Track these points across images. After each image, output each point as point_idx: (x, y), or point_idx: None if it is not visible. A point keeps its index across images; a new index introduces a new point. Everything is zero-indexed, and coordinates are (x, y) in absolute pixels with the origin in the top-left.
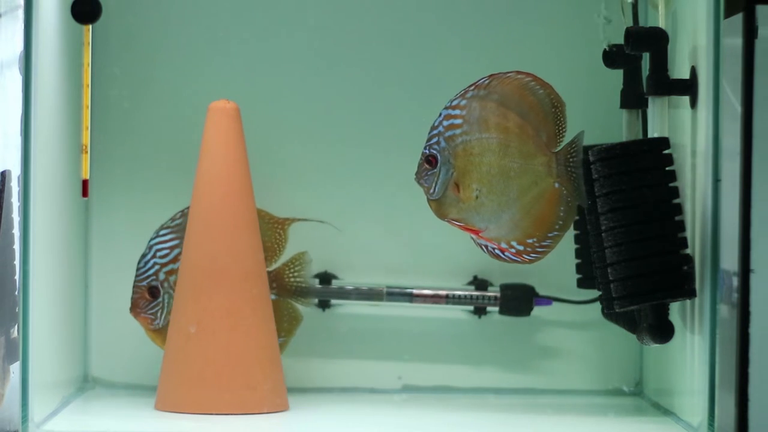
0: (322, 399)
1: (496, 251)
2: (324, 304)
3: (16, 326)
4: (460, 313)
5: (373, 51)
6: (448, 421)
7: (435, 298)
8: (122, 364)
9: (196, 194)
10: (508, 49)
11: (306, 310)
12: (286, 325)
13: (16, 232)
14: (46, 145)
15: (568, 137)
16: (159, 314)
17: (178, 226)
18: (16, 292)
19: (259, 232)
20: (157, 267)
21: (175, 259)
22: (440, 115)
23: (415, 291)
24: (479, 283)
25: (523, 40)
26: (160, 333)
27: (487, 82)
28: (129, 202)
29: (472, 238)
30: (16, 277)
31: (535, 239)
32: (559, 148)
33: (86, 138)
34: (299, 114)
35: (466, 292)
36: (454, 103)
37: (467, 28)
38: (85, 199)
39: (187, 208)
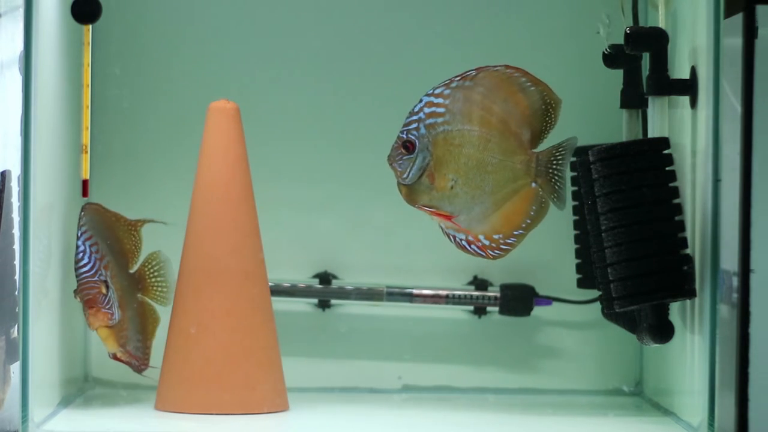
0: (322, 399)
1: (463, 242)
2: (324, 304)
3: (16, 326)
4: (460, 313)
5: (374, 51)
6: (448, 421)
7: (435, 298)
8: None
9: (196, 194)
10: (509, 49)
11: (306, 310)
12: (150, 327)
13: (16, 232)
14: (46, 145)
15: (561, 137)
16: (114, 309)
17: (88, 222)
18: (16, 292)
19: (259, 232)
20: (97, 262)
21: (102, 255)
22: (421, 101)
23: (415, 291)
24: (479, 283)
25: (523, 40)
26: (113, 331)
27: (474, 74)
28: (129, 202)
29: (441, 227)
30: (16, 277)
31: (501, 235)
32: (542, 148)
33: (86, 138)
34: (299, 114)
35: (466, 292)
36: (438, 91)
37: (467, 29)
38: (85, 199)
39: (86, 204)
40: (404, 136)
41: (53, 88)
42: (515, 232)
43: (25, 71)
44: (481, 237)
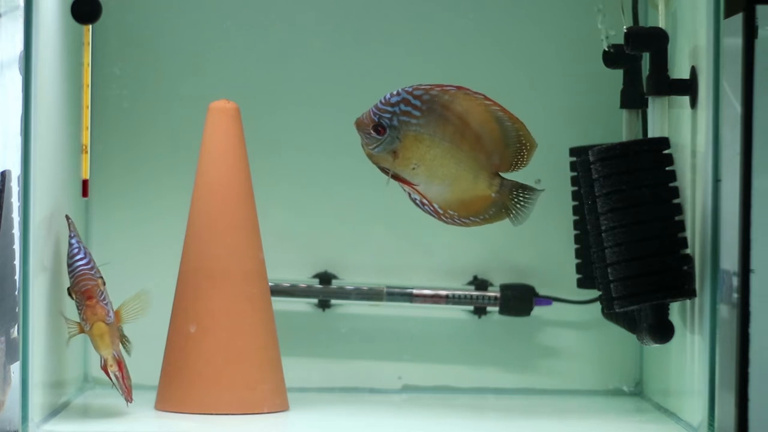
0: (322, 399)
1: (418, 201)
2: (324, 304)
3: (16, 326)
4: (460, 313)
5: (374, 51)
6: (448, 421)
7: (435, 298)
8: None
9: (196, 194)
10: (509, 50)
11: (306, 310)
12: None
13: (16, 232)
14: (46, 145)
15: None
16: (110, 308)
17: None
18: (16, 292)
19: (259, 232)
20: (92, 260)
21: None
22: (399, 94)
23: (415, 291)
24: (479, 283)
25: (523, 41)
26: (109, 330)
27: (454, 90)
28: (129, 202)
29: (403, 188)
30: (16, 277)
31: (456, 213)
32: (508, 178)
33: (86, 138)
34: (299, 114)
35: (466, 292)
36: (417, 93)
37: (468, 29)
38: (85, 199)
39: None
40: (377, 119)
41: (53, 88)
42: (471, 218)
43: (25, 71)
44: (435, 206)
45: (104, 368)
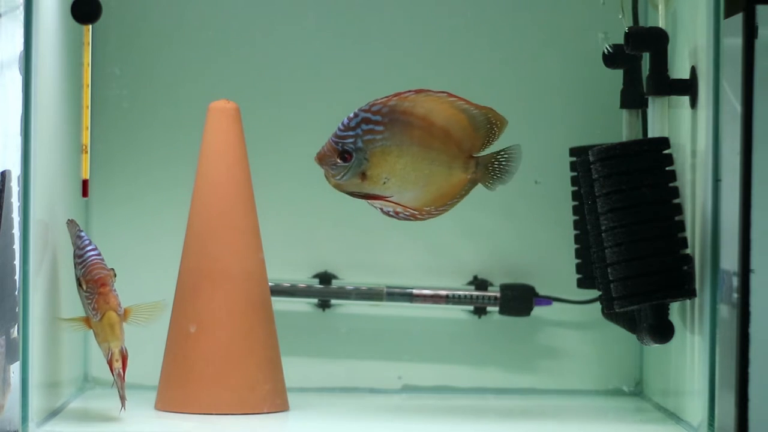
0: (322, 399)
1: (391, 214)
2: (324, 304)
3: (16, 326)
4: (460, 313)
5: (374, 51)
6: (448, 421)
7: (435, 298)
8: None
9: (196, 194)
10: (509, 50)
11: (306, 310)
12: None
13: (16, 232)
14: (46, 145)
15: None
16: (120, 301)
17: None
18: (16, 292)
19: (259, 232)
20: (101, 255)
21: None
22: (357, 116)
23: (415, 291)
24: (479, 283)
25: (523, 41)
26: (120, 321)
27: (413, 95)
28: (129, 202)
29: (373, 204)
30: (16, 277)
31: (432, 207)
32: (483, 153)
33: (86, 138)
34: (299, 114)
35: (466, 292)
36: (375, 108)
37: (467, 29)
38: (85, 199)
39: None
40: (340, 147)
41: (53, 88)
42: (447, 204)
43: (25, 71)
44: (410, 210)
45: (109, 362)
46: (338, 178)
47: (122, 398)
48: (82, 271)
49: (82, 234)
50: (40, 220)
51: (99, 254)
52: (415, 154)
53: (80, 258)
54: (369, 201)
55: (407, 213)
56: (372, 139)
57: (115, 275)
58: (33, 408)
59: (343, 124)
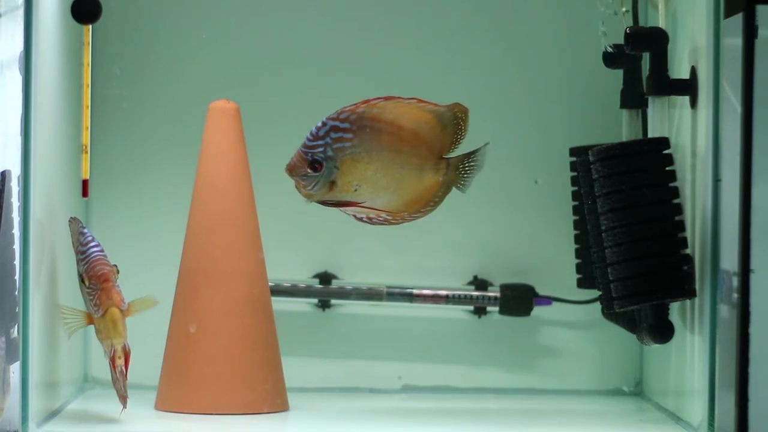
0: (322, 399)
1: (365, 220)
2: (324, 304)
3: (16, 326)
4: (460, 313)
5: (374, 50)
6: (448, 421)
7: (435, 298)
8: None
9: (196, 194)
10: (509, 50)
11: (306, 310)
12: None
13: (16, 232)
14: (46, 145)
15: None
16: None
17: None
18: (16, 292)
19: (259, 232)
20: (103, 251)
21: None
22: (325, 125)
23: (415, 291)
24: (479, 283)
25: (524, 40)
26: (123, 317)
27: (382, 102)
28: (129, 202)
29: (346, 211)
30: (16, 277)
31: (407, 212)
32: (454, 154)
33: (86, 138)
34: (299, 114)
35: (466, 292)
36: (343, 116)
37: (468, 29)
38: (85, 199)
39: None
40: (310, 158)
41: (53, 88)
42: (422, 210)
43: (25, 71)
44: (384, 215)
45: (112, 359)
46: (309, 188)
47: (123, 397)
48: (85, 267)
49: (85, 231)
50: (40, 220)
51: (102, 250)
52: (385, 160)
53: (83, 254)
54: (342, 208)
55: (381, 218)
56: (341, 147)
57: (118, 271)
58: (33, 408)
59: (311, 133)
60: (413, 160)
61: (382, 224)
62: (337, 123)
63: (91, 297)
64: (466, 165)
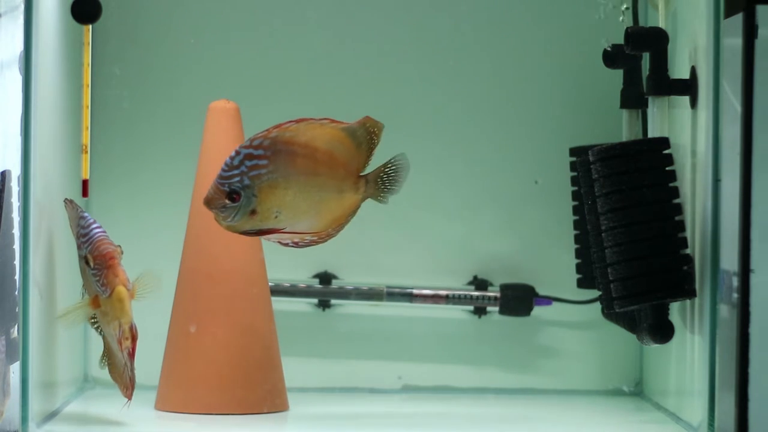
0: (322, 399)
1: (290, 244)
2: (324, 304)
3: (16, 326)
4: (460, 313)
5: (373, 50)
6: (448, 421)
7: (435, 298)
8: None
9: (195, 194)
10: (508, 50)
11: (306, 310)
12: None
13: (16, 232)
14: (46, 145)
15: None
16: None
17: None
18: (16, 292)
19: None
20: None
21: None
22: (239, 153)
23: (415, 291)
24: (479, 283)
25: (524, 40)
26: (129, 297)
27: (294, 125)
28: (129, 202)
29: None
30: (16, 277)
31: (331, 229)
32: (370, 170)
33: (86, 138)
34: (299, 114)
35: (466, 292)
36: (256, 142)
37: (468, 29)
38: (85, 199)
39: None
40: (227, 189)
41: (53, 88)
42: (343, 223)
43: (25, 71)
44: (309, 237)
45: (119, 341)
46: (229, 219)
47: (129, 385)
48: (89, 248)
49: (86, 215)
50: (40, 220)
51: (104, 231)
52: (302, 183)
53: (85, 237)
54: (264, 237)
55: (307, 240)
56: (258, 175)
57: (122, 252)
58: (33, 408)
59: (226, 164)
60: (331, 182)
61: (309, 245)
62: (251, 150)
63: (97, 278)
64: (384, 177)
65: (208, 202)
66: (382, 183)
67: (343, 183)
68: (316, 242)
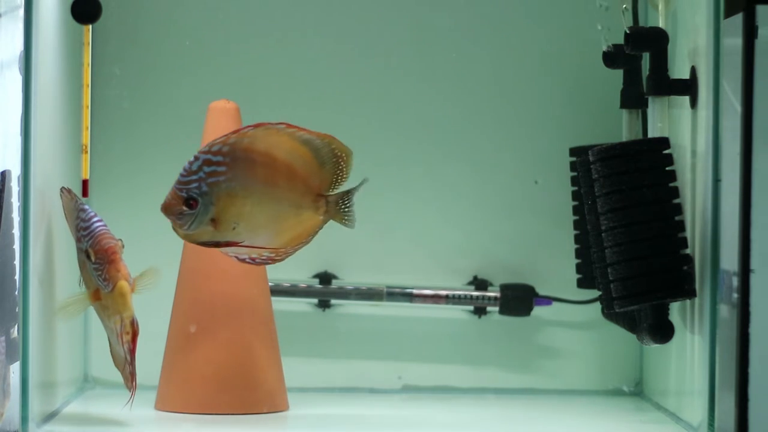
0: (322, 399)
1: (248, 260)
2: (324, 304)
3: (16, 326)
4: (460, 313)
5: (373, 50)
6: (448, 421)
7: (435, 298)
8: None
9: None
10: (508, 50)
11: (306, 310)
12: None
13: (16, 232)
14: (46, 145)
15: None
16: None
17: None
18: (16, 292)
19: None
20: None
21: None
22: (197, 159)
23: (415, 291)
24: (479, 283)
25: (524, 40)
26: (130, 292)
27: (252, 130)
28: (129, 202)
29: (227, 252)
30: (16, 277)
31: (289, 247)
32: (334, 192)
33: (86, 138)
34: (299, 114)
35: (466, 292)
36: (215, 148)
37: (468, 28)
38: (85, 198)
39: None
40: (185, 194)
41: (53, 88)
42: (303, 242)
43: (25, 71)
44: (267, 253)
45: (120, 335)
46: (186, 228)
47: (132, 374)
48: (90, 242)
49: (86, 207)
50: (40, 220)
51: (105, 225)
52: (261, 193)
53: (86, 230)
54: (221, 249)
55: (264, 256)
56: (216, 182)
57: (123, 246)
58: (33, 408)
59: (184, 169)
60: (290, 196)
61: (266, 262)
62: (209, 156)
63: (99, 272)
64: (346, 201)
65: (166, 209)
66: (344, 206)
67: (302, 199)
68: (273, 260)
